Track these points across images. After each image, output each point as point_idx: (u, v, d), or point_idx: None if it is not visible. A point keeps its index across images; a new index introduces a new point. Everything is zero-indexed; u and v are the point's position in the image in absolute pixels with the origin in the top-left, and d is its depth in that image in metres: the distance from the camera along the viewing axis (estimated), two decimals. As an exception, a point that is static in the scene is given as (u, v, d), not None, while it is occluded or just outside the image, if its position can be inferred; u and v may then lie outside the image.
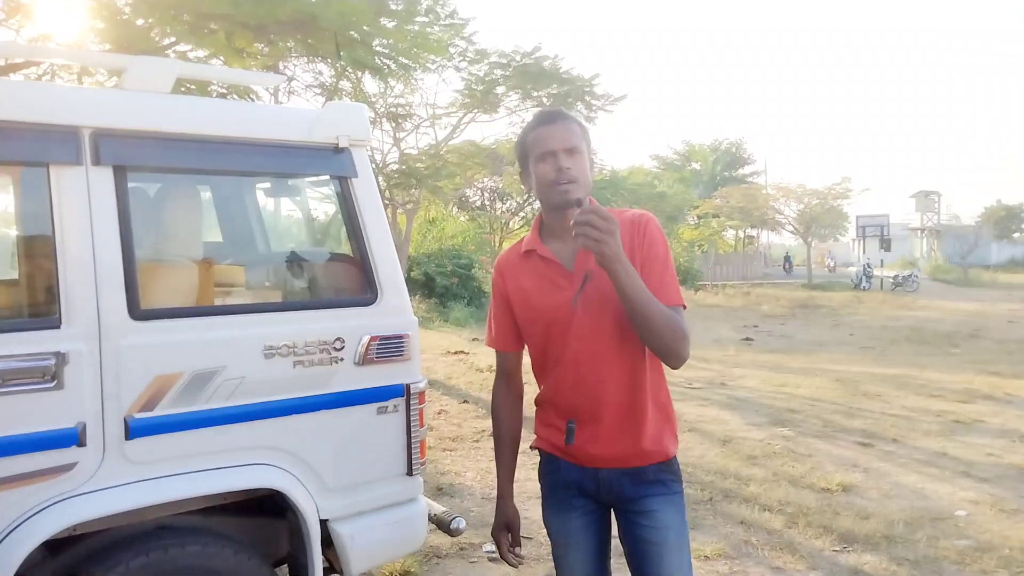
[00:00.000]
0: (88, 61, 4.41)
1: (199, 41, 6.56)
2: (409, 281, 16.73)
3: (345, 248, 2.54)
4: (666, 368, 1.85)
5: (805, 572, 3.60)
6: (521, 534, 2.08)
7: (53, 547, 2.07)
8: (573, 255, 1.82)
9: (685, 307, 1.80)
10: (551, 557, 2.06)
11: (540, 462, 2.02)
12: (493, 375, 2.12)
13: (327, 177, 2.55)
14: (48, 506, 1.94)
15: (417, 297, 16.84)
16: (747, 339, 13.71)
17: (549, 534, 2.01)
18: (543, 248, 1.87)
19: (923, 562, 3.70)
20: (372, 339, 2.40)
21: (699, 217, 34.26)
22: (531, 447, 2.05)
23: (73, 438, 1.95)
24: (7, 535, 1.90)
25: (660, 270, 1.78)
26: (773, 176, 69.48)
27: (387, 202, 14.75)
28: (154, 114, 2.14)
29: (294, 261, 2.86)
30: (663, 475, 1.86)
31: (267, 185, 3.03)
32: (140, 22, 6.51)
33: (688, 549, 1.88)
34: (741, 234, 41.51)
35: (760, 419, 6.80)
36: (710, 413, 7.06)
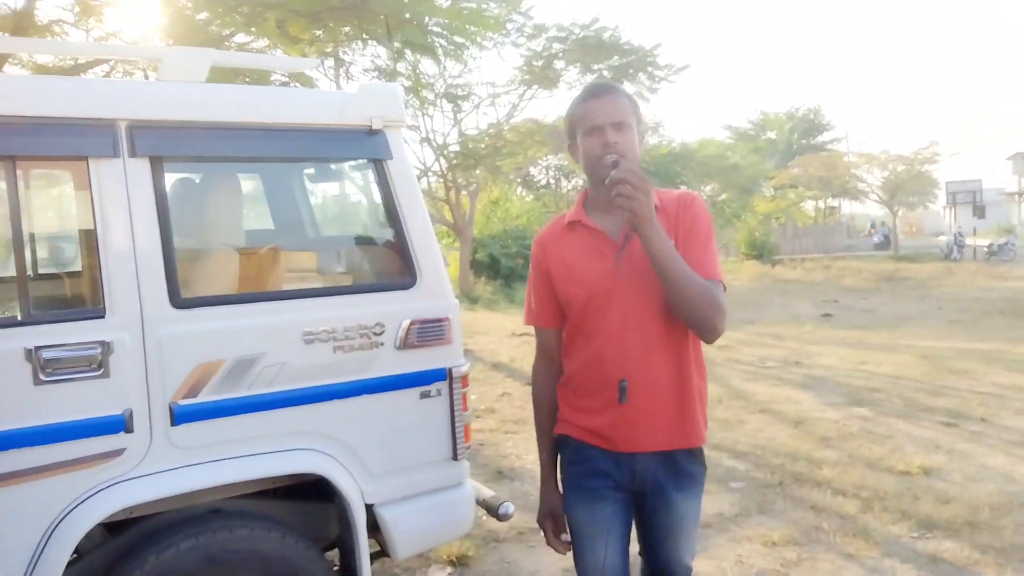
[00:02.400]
0: (125, 55, 4.53)
1: (256, 32, 6.70)
2: (474, 263, 16.79)
3: (384, 232, 2.52)
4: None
5: (879, 559, 3.42)
6: (532, 524, 2.04)
7: (112, 528, 2.15)
8: (618, 227, 1.80)
9: (725, 287, 1.79)
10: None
11: (563, 450, 1.95)
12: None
13: (363, 160, 2.52)
14: (100, 490, 1.99)
15: (483, 279, 16.89)
16: (826, 315, 13.19)
17: (572, 524, 1.93)
18: (588, 219, 1.86)
19: (1010, 550, 3.46)
20: (412, 323, 2.38)
21: (775, 188, 33.19)
22: (555, 433, 1.97)
23: (121, 424, 2.00)
24: (64, 518, 1.96)
25: (701, 244, 1.78)
26: (855, 143, 66.58)
27: (450, 184, 14.85)
28: (188, 104, 2.16)
29: (333, 246, 2.86)
30: (693, 467, 1.86)
31: (309, 170, 3.04)
32: (201, 16, 6.69)
33: (698, 525, 1.94)
34: (821, 205, 40.02)
35: (836, 399, 6.52)
36: (783, 393, 6.82)
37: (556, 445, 1.98)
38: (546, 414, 1.99)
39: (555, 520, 2.00)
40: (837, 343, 9.81)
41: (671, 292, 1.69)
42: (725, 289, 1.79)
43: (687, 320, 1.73)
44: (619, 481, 1.84)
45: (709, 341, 1.78)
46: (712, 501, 4.14)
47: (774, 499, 4.17)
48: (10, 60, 6.72)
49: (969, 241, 26.39)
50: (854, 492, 4.19)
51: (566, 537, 2.00)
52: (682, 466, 1.83)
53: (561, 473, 1.97)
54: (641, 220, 1.62)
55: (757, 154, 34.40)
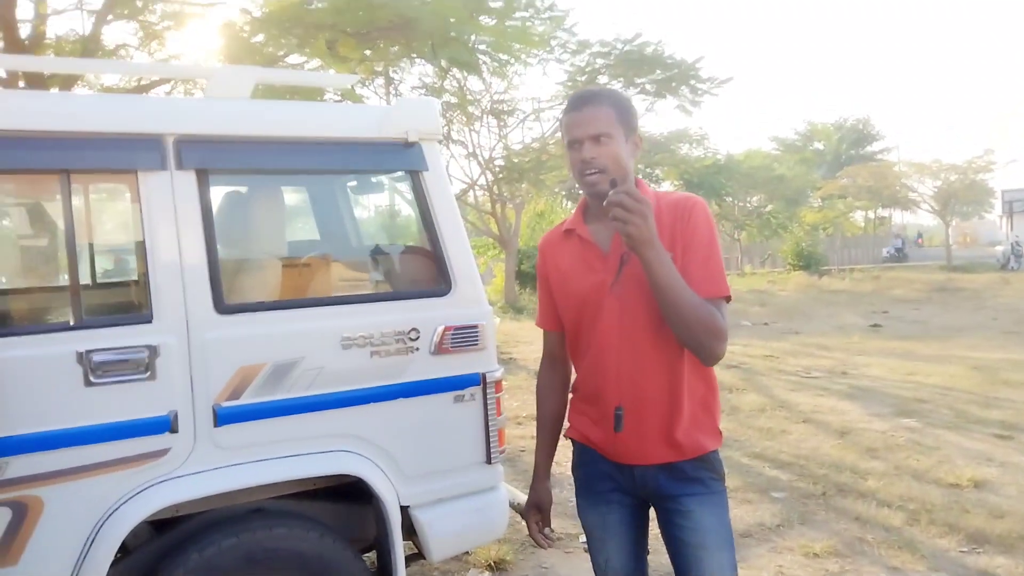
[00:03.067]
0: (174, 74, 4.72)
1: (308, 52, 6.92)
2: (519, 274, 16.86)
3: (420, 241, 2.58)
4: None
5: (926, 573, 3.34)
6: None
7: (159, 526, 2.23)
8: (610, 237, 1.77)
9: (729, 298, 1.71)
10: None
11: (573, 452, 1.97)
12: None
13: (400, 172, 2.59)
14: (146, 488, 2.08)
15: (528, 290, 16.95)
16: (875, 325, 12.89)
17: (584, 527, 1.95)
18: (582, 228, 1.84)
19: (1066, 567, 3.34)
20: (447, 329, 2.42)
21: (823, 199, 32.58)
22: (564, 435, 2.01)
23: (166, 425, 2.08)
24: (111, 514, 2.05)
25: (702, 258, 1.69)
26: (907, 152, 65.00)
27: (496, 197, 14.95)
28: (232, 119, 2.25)
29: (371, 254, 2.93)
30: (701, 472, 1.77)
31: (351, 183, 3.12)
32: (257, 39, 6.95)
33: (730, 549, 1.78)
34: (871, 215, 39.13)
35: (883, 409, 6.38)
36: (827, 403, 6.69)
37: (552, 444, 2.04)
38: (544, 412, 2.04)
39: (540, 513, 2.04)
40: (885, 354, 9.58)
41: (668, 316, 1.64)
42: (729, 299, 1.71)
43: (683, 342, 1.68)
44: (623, 485, 1.84)
45: (707, 364, 1.72)
46: (753, 510, 4.09)
47: (816, 510, 4.10)
48: (80, 82, 7.05)
49: (1028, 251, 25.49)
50: (900, 504, 4.10)
51: (549, 531, 2.05)
52: (688, 473, 1.76)
53: (573, 475, 1.99)
54: (638, 243, 1.56)
55: (804, 165, 33.83)
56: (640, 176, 1.84)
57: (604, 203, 1.58)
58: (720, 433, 1.84)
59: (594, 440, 1.85)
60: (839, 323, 13.20)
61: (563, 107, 1.90)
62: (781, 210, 30.51)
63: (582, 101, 1.76)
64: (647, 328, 1.72)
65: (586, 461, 1.91)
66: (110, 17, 6.59)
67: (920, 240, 36.32)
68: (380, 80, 10.84)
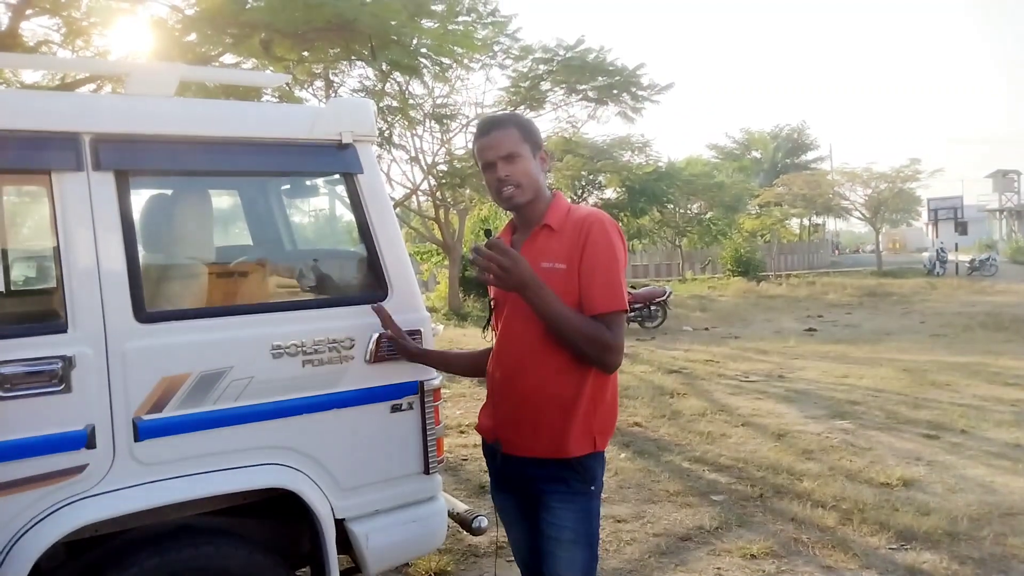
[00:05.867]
0: (91, 69, 4.54)
1: (243, 52, 6.74)
2: (463, 280, 16.82)
3: (355, 245, 2.51)
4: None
5: (858, 571, 3.41)
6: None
7: (76, 547, 2.11)
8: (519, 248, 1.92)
9: (627, 308, 1.85)
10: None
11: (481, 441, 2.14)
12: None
13: (334, 174, 2.52)
14: (60, 507, 1.96)
15: (472, 296, 16.91)
16: (810, 330, 13.28)
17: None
18: (506, 236, 2.04)
19: (989, 560, 3.46)
20: (382, 336, 2.36)
21: (760, 206, 33.44)
22: (476, 428, 2.13)
23: (82, 440, 1.97)
24: (22, 535, 1.93)
25: (601, 276, 1.80)
26: (839, 161, 67.34)
27: (439, 202, 14.88)
28: (154, 118, 2.14)
29: (304, 259, 2.85)
30: (564, 473, 1.87)
31: (284, 186, 3.02)
32: (190, 37, 6.73)
33: (587, 547, 1.90)
34: (806, 222, 40.35)
35: (819, 412, 6.54)
36: (765, 406, 6.83)
37: (445, 354, 2.41)
38: (459, 355, 2.42)
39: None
40: (820, 357, 9.85)
41: (558, 339, 1.79)
42: (628, 311, 1.85)
43: (580, 359, 1.81)
44: (504, 472, 1.99)
45: (607, 373, 1.85)
46: (693, 514, 4.13)
47: (754, 512, 4.16)
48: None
49: (951, 257, 26.61)
50: (834, 504, 4.19)
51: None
52: (552, 471, 1.87)
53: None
54: (511, 289, 1.74)
55: (742, 172, 34.65)
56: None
57: (470, 256, 1.81)
58: (595, 440, 1.89)
59: (485, 429, 2.03)
60: (776, 327, 13.55)
61: (475, 133, 2.02)
62: (720, 217, 31.17)
63: (489, 126, 1.92)
64: (526, 334, 1.86)
65: (487, 451, 2.09)
66: (29, 11, 6.29)
67: (836, 248, 37.52)
68: (320, 83, 10.69)
